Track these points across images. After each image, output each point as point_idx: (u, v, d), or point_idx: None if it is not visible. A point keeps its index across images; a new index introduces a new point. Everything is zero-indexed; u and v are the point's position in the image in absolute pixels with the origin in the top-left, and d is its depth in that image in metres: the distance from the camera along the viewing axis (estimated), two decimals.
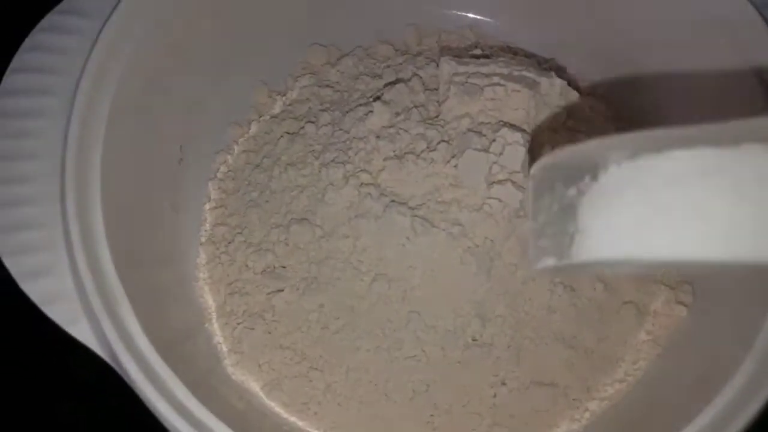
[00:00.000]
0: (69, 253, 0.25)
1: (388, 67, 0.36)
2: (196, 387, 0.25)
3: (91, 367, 0.25)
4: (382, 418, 0.30)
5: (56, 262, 0.25)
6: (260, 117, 0.37)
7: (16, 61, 0.28)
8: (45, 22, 0.29)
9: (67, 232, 0.25)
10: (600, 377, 0.30)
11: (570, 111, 0.31)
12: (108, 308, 0.24)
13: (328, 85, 0.36)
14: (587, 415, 0.30)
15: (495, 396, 0.29)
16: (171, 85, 0.33)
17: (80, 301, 0.24)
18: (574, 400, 0.30)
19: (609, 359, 0.31)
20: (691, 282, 0.31)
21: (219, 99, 0.36)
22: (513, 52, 0.36)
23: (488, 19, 0.38)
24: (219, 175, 0.35)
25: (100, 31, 0.29)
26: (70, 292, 0.24)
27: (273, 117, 0.36)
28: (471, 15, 0.38)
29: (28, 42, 0.28)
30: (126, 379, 0.24)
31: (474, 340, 0.29)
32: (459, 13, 0.38)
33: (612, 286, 0.31)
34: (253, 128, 0.36)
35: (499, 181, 0.28)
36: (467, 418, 0.29)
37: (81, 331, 0.24)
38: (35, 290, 0.24)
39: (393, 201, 0.29)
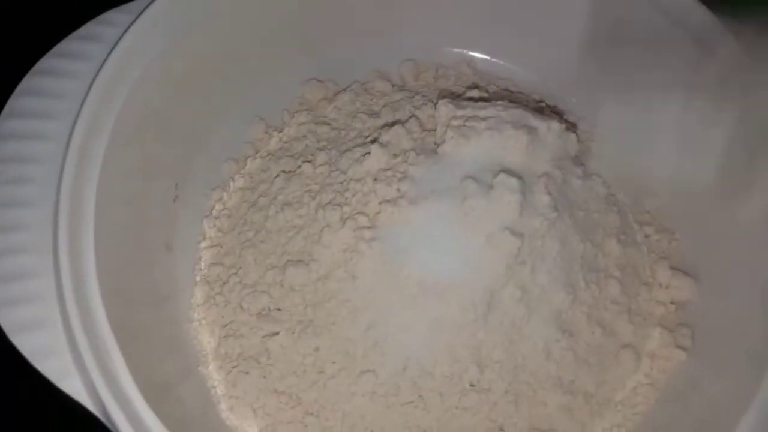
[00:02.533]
0: (61, 305, 0.24)
1: (386, 105, 0.36)
2: None
3: (82, 418, 0.24)
4: None
5: (48, 315, 0.25)
6: (257, 153, 0.36)
7: (11, 106, 0.28)
8: (40, 65, 0.29)
9: (59, 283, 0.25)
10: (598, 422, 0.30)
11: (566, 152, 0.31)
12: (100, 362, 0.23)
13: (324, 122, 0.36)
14: None
15: None
16: (166, 122, 0.32)
17: (72, 355, 0.24)
18: None
19: (607, 404, 0.30)
20: (690, 325, 0.31)
21: (215, 134, 0.36)
22: (510, 92, 0.36)
23: (486, 57, 0.38)
24: (214, 212, 0.35)
25: (95, 75, 0.28)
26: (62, 346, 0.24)
27: (270, 154, 0.36)
28: (468, 52, 0.38)
29: (22, 85, 0.28)
30: None
31: (472, 385, 0.29)
32: (456, 50, 0.38)
33: (610, 329, 0.30)
34: (250, 165, 0.36)
35: (497, 228, 0.28)
36: None
37: (72, 387, 0.23)
38: (26, 344, 0.24)
39: (389, 246, 0.29)
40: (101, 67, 0.29)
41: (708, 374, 0.30)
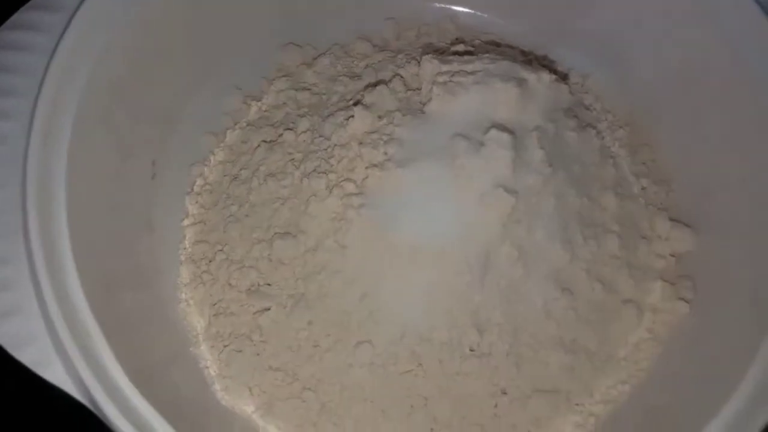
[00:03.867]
0: (36, 290, 0.23)
1: (367, 66, 0.34)
2: (183, 421, 0.24)
3: (68, 405, 0.23)
4: None
5: (24, 301, 0.23)
6: (235, 125, 0.35)
7: None
8: None
9: (32, 268, 0.23)
10: (602, 379, 0.29)
11: (558, 104, 0.30)
12: (82, 348, 0.22)
13: (305, 88, 0.35)
14: (592, 420, 0.29)
15: (496, 406, 0.28)
16: (137, 96, 0.31)
17: (52, 342, 0.23)
18: (576, 405, 0.29)
19: (610, 360, 0.30)
20: (691, 277, 0.31)
21: (190, 107, 0.34)
22: (497, 45, 0.35)
23: (469, 11, 0.36)
24: (195, 188, 0.33)
25: (55, 47, 0.27)
26: (41, 333, 0.23)
27: (249, 124, 0.35)
28: (452, 7, 0.37)
29: None
30: (107, 423, 0.22)
31: (471, 350, 0.28)
32: (439, 5, 0.37)
33: (610, 285, 0.30)
34: (229, 137, 0.34)
35: (490, 186, 0.27)
36: (468, 430, 0.28)
37: (55, 374, 0.22)
38: (2, 333, 0.23)
39: (379, 212, 0.28)
40: (61, 38, 0.27)
41: (711, 326, 0.29)
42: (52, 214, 0.25)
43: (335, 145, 0.30)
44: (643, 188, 0.33)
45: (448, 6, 0.37)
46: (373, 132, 0.29)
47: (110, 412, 0.22)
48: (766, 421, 0.23)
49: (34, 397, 0.27)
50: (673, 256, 0.31)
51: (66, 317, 0.23)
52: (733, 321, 0.28)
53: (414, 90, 0.31)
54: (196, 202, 0.33)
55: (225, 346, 0.30)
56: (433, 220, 0.27)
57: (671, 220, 0.32)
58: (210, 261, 0.31)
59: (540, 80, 0.29)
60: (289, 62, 0.36)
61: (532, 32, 0.36)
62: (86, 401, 0.22)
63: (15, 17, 0.27)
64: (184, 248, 0.32)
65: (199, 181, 0.34)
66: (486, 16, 0.37)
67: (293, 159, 0.31)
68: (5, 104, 0.26)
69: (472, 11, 0.37)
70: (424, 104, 0.29)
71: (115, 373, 0.23)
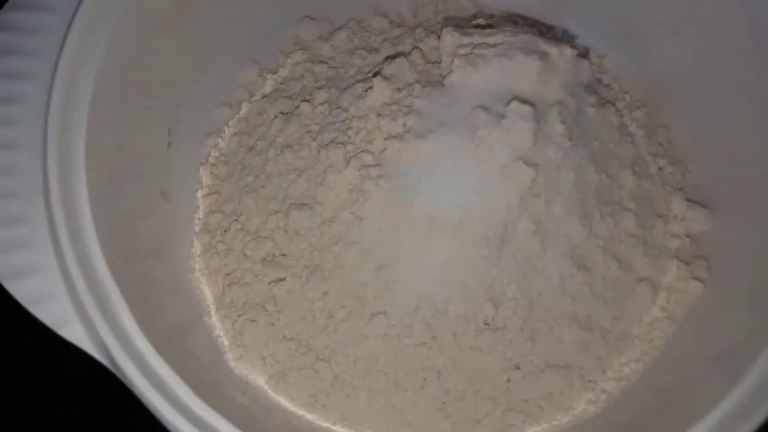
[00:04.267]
0: (56, 249, 0.23)
1: (385, 40, 0.34)
2: (197, 385, 0.24)
3: (86, 364, 0.23)
4: (393, 408, 0.29)
5: (43, 260, 0.23)
6: (251, 97, 0.35)
7: None
8: (14, 0, 0.27)
9: (53, 227, 0.23)
10: (615, 357, 0.29)
11: (579, 79, 0.30)
12: (101, 307, 0.22)
13: (322, 61, 0.34)
14: (604, 396, 0.29)
15: (508, 380, 0.28)
16: (154, 66, 0.30)
17: (71, 300, 0.23)
18: (589, 381, 0.29)
19: (624, 338, 0.30)
20: (706, 257, 0.31)
21: (206, 79, 0.34)
22: (515, 22, 0.34)
23: None
24: (211, 159, 0.33)
25: (75, 11, 0.26)
26: (60, 292, 0.23)
27: (265, 96, 0.34)
28: None
29: None
30: (125, 381, 0.22)
31: (486, 324, 0.28)
32: None
33: (626, 263, 0.30)
34: (244, 109, 0.34)
35: (510, 158, 0.27)
36: (480, 403, 0.28)
37: (74, 333, 0.22)
38: (21, 290, 0.23)
39: (397, 183, 0.28)
40: (79, 6, 0.27)
41: (725, 305, 0.29)
42: (72, 177, 0.25)
43: (353, 116, 0.30)
44: (659, 168, 0.32)
45: None
46: (392, 104, 0.29)
47: (129, 371, 0.22)
48: None
49: (52, 355, 0.28)
50: (688, 236, 0.31)
51: (86, 277, 0.23)
52: (747, 301, 0.28)
53: (433, 63, 0.31)
54: (211, 173, 0.33)
55: (239, 316, 0.30)
56: (452, 192, 0.27)
57: (687, 200, 0.32)
58: (225, 231, 0.31)
59: (562, 54, 0.29)
60: (305, 36, 0.36)
61: (549, 11, 0.35)
62: (104, 360, 0.22)
63: None
64: (199, 218, 0.32)
65: (214, 152, 0.33)
66: None
67: (310, 131, 0.31)
68: (27, 65, 0.26)
69: None
70: (444, 77, 0.29)
71: (133, 333, 0.23)
